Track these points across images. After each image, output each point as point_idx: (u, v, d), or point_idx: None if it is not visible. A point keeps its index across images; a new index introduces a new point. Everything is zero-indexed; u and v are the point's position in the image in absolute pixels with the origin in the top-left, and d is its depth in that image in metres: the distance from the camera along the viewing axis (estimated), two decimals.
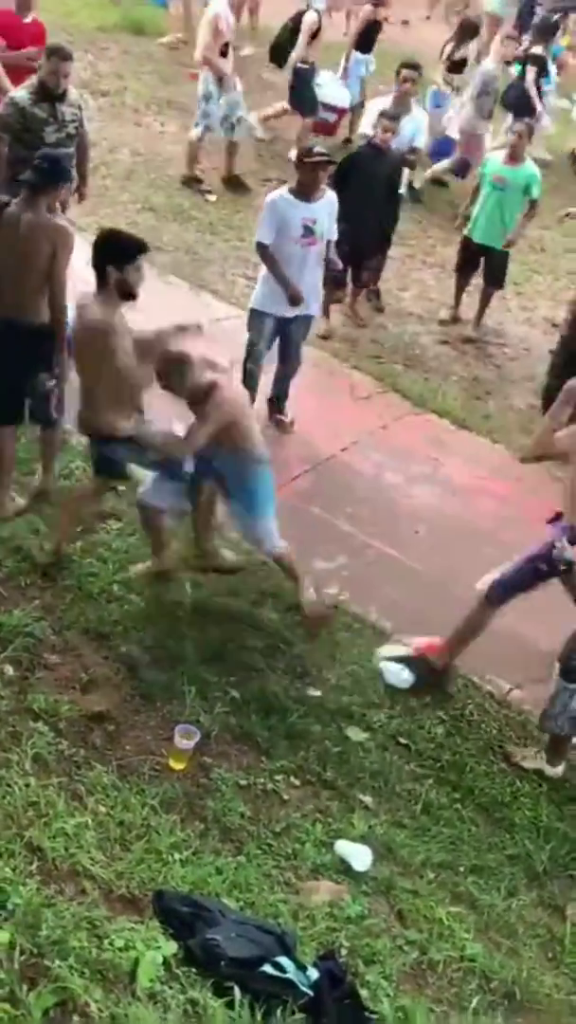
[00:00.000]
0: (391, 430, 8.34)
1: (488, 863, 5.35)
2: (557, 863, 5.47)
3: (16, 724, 4.85)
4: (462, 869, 5.27)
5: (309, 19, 12.09)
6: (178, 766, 5.04)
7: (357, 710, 5.95)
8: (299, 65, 11.98)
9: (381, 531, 7.30)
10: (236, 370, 6.83)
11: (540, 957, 4.98)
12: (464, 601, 6.82)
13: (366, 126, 9.54)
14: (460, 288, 10.09)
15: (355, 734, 5.80)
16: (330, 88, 12.73)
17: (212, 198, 11.13)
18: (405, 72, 9.79)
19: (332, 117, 12.82)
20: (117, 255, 5.76)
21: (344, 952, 4.47)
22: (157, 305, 9.00)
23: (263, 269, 7.59)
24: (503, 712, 6.27)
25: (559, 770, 5.93)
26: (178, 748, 5.05)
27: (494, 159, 9.49)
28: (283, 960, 4.07)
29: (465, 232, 9.79)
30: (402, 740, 5.86)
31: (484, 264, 9.78)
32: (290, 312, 7.58)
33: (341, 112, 12.80)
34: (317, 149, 7.59)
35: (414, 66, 9.92)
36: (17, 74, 8.50)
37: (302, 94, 12.24)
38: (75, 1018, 3.44)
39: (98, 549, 6.32)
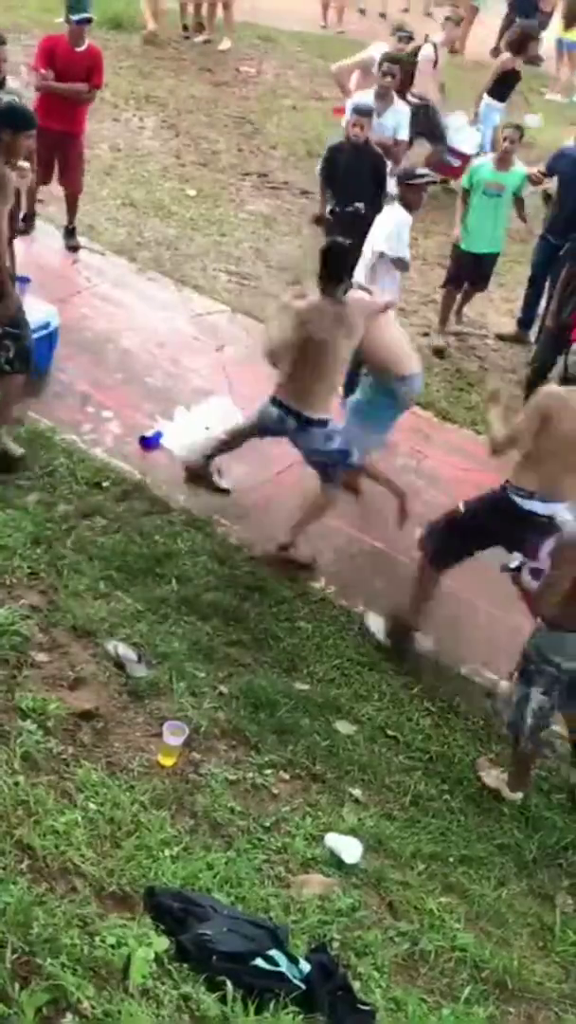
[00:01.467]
0: None
1: (478, 853, 5.36)
2: (546, 852, 5.50)
3: (4, 723, 4.83)
4: (452, 860, 5.28)
5: (426, 54, 12.00)
6: (167, 762, 5.03)
7: (345, 703, 5.96)
8: (419, 100, 11.71)
9: (368, 524, 7.31)
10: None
11: (531, 946, 5.00)
12: (451, 592, 6.87)
13: (346, 119, 9.44)
14: (448, 306, 9.87)
15: (344, 727, 5.81)
16: (462, 134, 12.24)
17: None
18: (386, 66, 9.73)
19: (456, 162, 12.36)
20: None
21: (336, 944, 4.47)
22: (138, 300, 9.07)
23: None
24: (491, 704, 6.29)
25: (517, 796, 5.78)
26: (167, 744, 5.04)
27: (484, 167, 9.38)
28: (275, 954, 4.06)
29: (461, 245, 9.63)
30: (390, 732, 5.88)
31: (473, 269, 9.67)
32: None
33: (466, 159, 12.13)
34: (419, 171, 7.77)
35: (395, 60, 9.88)
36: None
37: (430, 125, 11.99)
38: (68, 1016, 3.43)
39: (85, 546, 6.31)
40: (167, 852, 4.46)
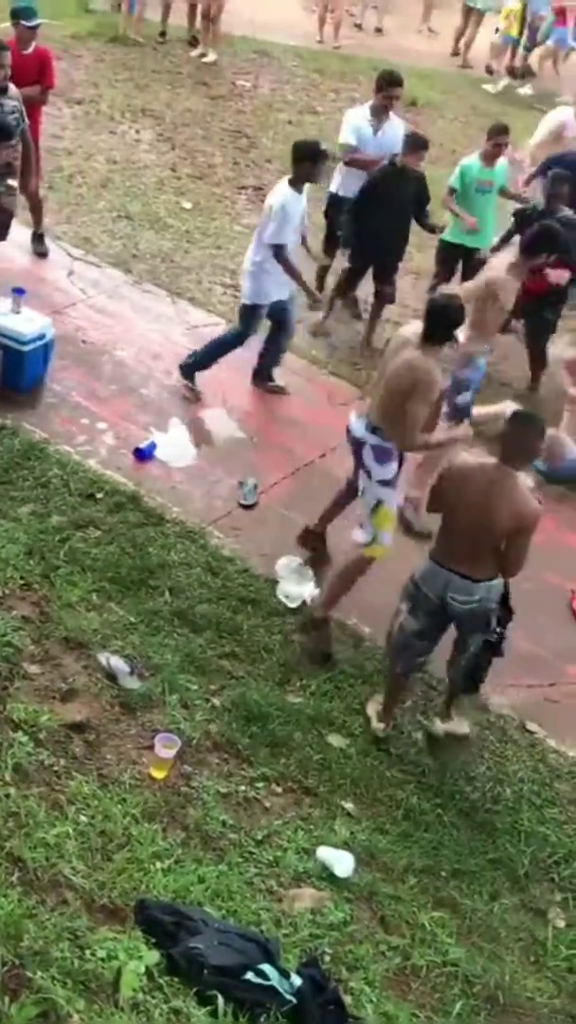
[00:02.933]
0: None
1: (470, 867, 5.36)
2: (538, 867, 5.49)
3: None
4: (444, 874, 5.28)
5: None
6: (159, 775, 5.03)
7: (338, 716, 5.95)
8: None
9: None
10: None
11: (523, 961, 4.99)
12: None
13: (345, 135, 9.43)
14: None
15: (336, 740, 5.80)
16: None
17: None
18: (392, 90, 9.47)
19: None
20: None
21: (327, 959, 4.46)
22: (134, 312, 9.07)
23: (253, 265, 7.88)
24: (483, 716, 6.29)
25: (380, 727, 5.91)
26: (159, 757, 5.03)
27: (472, 165, 9.47)
28: (266, 968, 4.05)
29: (450, 239, 9.70)
30: (383, 746, 5.87)
31: (463, 264, 9.76)
32: (286, 294, 8.06)
33: None
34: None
35: (399, 83, 9.64)
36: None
37: None
38: None
39: (78, 557, 6.30)
40: (158, 865, 4.46)
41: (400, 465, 6.36)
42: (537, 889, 5.39)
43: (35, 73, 8.95)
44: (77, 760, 4.89)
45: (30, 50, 8.94)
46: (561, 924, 5.24)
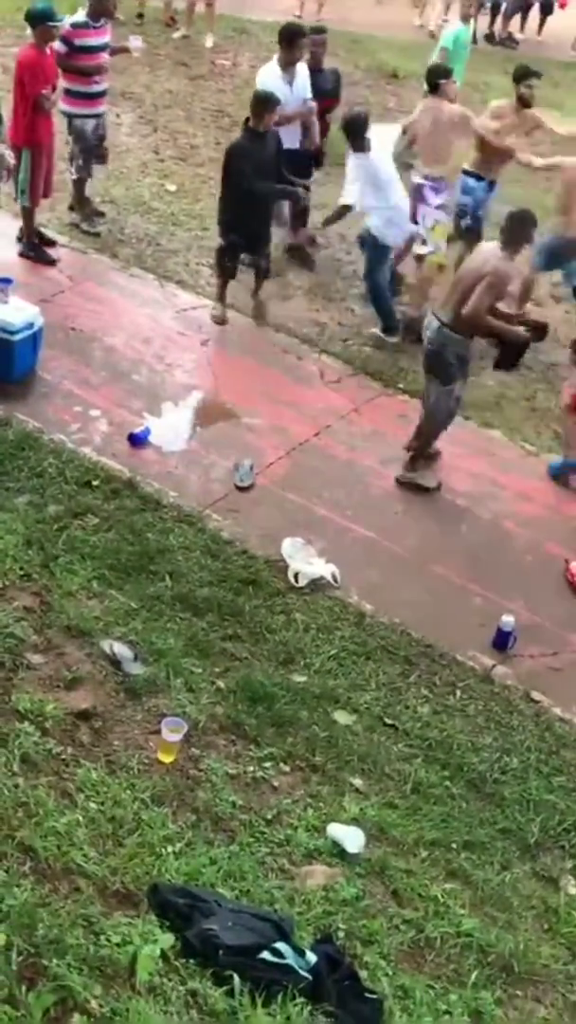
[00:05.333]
0: (363, 413, 8.34)
1: (480, 838, 5.37)
2: (548, 835, 5.50)
3: (2, 725, 4.83)
4: (455, 846, 5.28)
5: None
6: (167, 759, 5.03)
7: (343, 693, 5.96)
8: None
9: (358, 514, 7.31)
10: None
11: (536, 929, 5.00)
12: (443, 578, 6.88)
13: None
14: None
15: (342, 717, 5.81)
16: None
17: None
18: (298, 41, 9.37)
19: None
20: None
21: (341, 934, 4.47)
22: (122, 298, 9.05)
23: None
24: (488, 688, 6.30)
25: (431, 482, 7.56)
26: (166, 741, 5.04)
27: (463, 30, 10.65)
28: (281, 946, 4.07)
29: None
30: (388, 721, 5.88)
31: None
32: None
33: None
34: None
35: (303, 33, 9.57)
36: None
37: None
38: (75, 1016, 3.44)
39: (77, 546, 6.30)
40: (169, 849, 4.47)
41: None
42: (548, 857, 5.41)
43: (54, 71, 8.93)
44: (84, 748, 4.90)
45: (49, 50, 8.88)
46: (573, 891, 5.25)
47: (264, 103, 8.50)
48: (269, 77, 9.27)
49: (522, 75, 9.57)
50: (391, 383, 8.72)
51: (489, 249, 7.23)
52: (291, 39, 9.29)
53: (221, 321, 8.94)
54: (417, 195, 9.35)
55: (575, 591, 7.09)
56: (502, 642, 6.55)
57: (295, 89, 9.30)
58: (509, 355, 8.03)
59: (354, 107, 9.32)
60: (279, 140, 8.87)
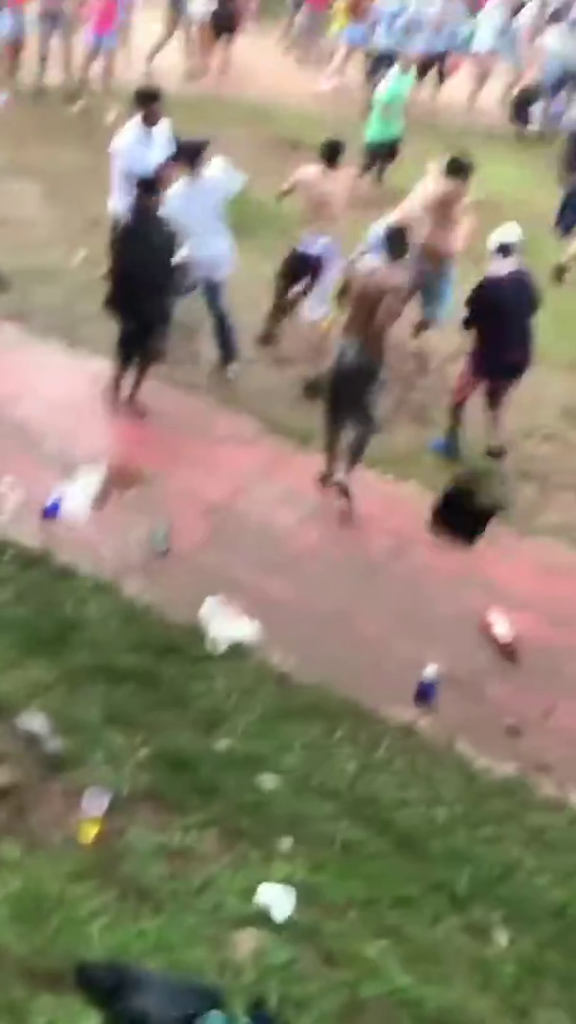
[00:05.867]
0: (279, 471, 8.38)
1: (411, 894, 5.34)
2: (478, 886, 5.48)
3: None
4: (386, 903, 5.24)
5: None
6: (90, 833, 4.97)
7: (268, 756, 5.92)
8: None
9: (277, 573, 7.31)
10: None
11: (469, 982, 4.98)
12: (367, 636, 6.91)
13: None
14: None
15: (268, 781, 5.77)
16: None
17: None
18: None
19: None
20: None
21: (274, 1001, 4.42)
22: (32, 366, 9.02)
23: None
24: (412, 741, 6.31)
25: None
26: (88, 815, 4.98)
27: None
28: (214, 1016, 4.02)
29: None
30: (315, 782, 5.84)
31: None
32: None
33: None
34: None
35: (155, 97, 9.82)
36: None
37: None
38: None
39: None
40: (95, 924, 4.41)
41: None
42: (478, 909, 5.38)
43: None
44: (3, 826, 4.82)
45: None
46: (504, 942, 5.24)
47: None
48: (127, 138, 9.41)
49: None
50: (306, 441, 8.75)
51: (379, 266, 7.81)
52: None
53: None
54: (317, 263, 9.53)
55: (493, 642, 7.14)
56: (425, 695, 6.57)
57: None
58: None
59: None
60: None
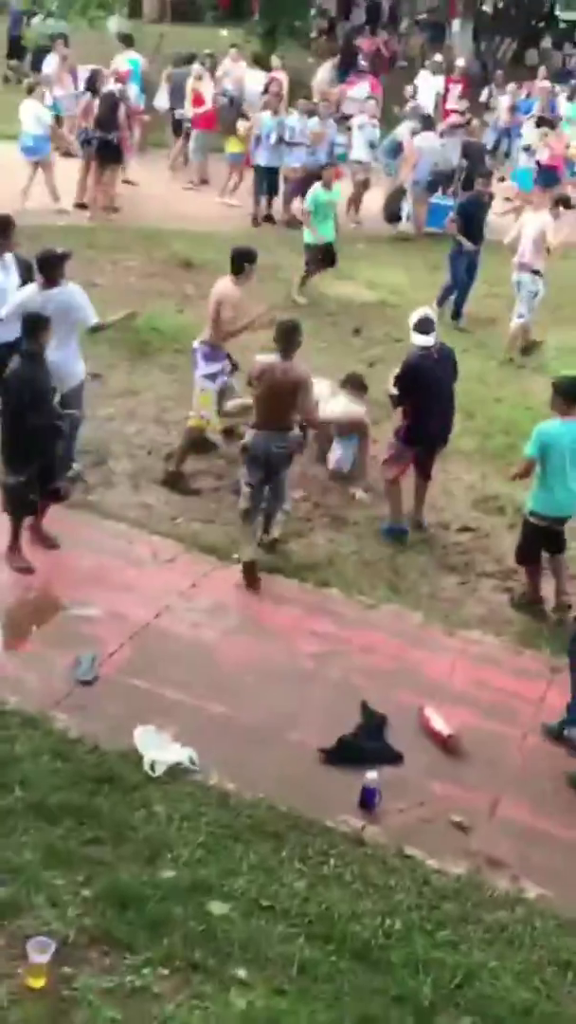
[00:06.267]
0: (201, 588, 8.32)
1: (374, 1011, 5.19)
2: (442, 994, 5.35)
3: None
4: (350, 1023, 5.10)
5: None
6: (37, 983, 4.77)
7: (215, 882, 5.76)
8: None
9: (208, 691, 7.21)
10: None
11: None
12: (301, 744, 6.82)
13: None
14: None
15: (217, 907, 5.61)
16: None
17: None
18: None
19: None
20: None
21: None
22: None
23: None
24: (361, 851, 6.19)
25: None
26: (34, 964, 4.78)
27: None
28: None
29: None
30: (265, 903, 5.69)
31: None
32: None
33: None
34: None
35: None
36: None
37: None
38: None
39: None
40: None
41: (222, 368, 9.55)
42: (444, 1018, 5.25)
43: None
44: None
45: None
46: None
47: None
48: None
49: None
50: (225, 555, 8.74)
51: (279, 362, 8.43)
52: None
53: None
54: (191, 359, 9.77)
55: (431, 736, 7.09)
56: (368, 800, 6.48)
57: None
58: None
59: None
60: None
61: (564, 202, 13.91)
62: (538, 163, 18.03)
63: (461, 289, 14.46)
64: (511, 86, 22.16)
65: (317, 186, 14.62)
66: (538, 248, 13.27)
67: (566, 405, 8.17)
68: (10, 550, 8.22)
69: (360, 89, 21.25)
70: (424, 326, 9.11)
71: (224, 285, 9.55)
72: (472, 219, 14.26)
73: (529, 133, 19.37)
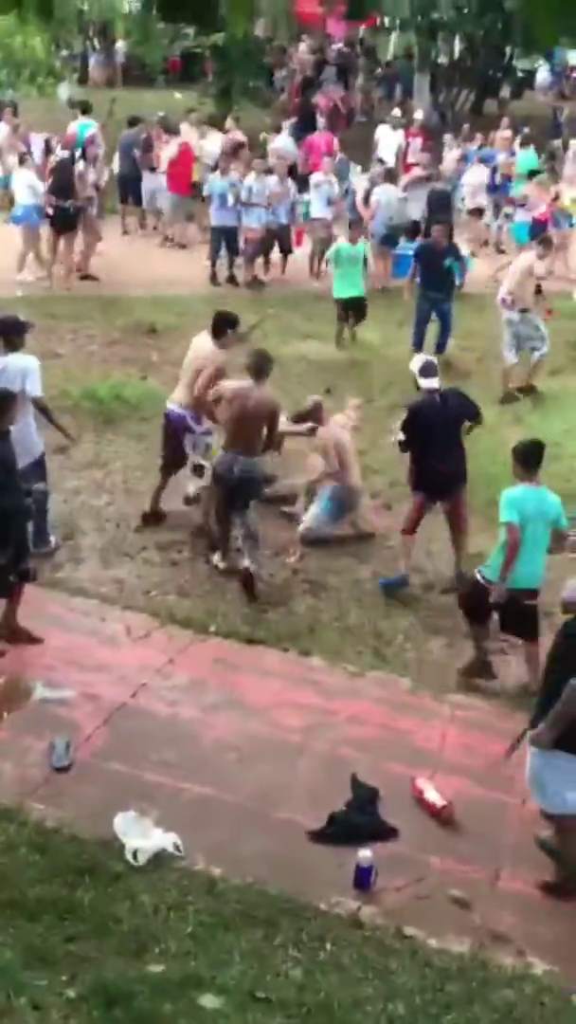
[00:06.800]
0: (177, 663, 8.05)
1: None
2: None
3: None
4: None
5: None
6: None
7: (206, 973, 5.46)
8: None
9: (190, 771, 6.92)
10: None
11: None
12: (290, 822, 6.54)
13: None
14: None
15: (209, 1001, 5.30)
16: None
17: None
18: None
19: None
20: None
21: None
22: None
23: None
24: (358, 933, 5.90)
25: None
26: None
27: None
28: None
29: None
30: (260, 995, 5.38)
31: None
32: None
33: None
34: None
35: None
36: None
37: None
38: None
39: None
40: None
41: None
42: None
43: None
44: None
45: None
46: None
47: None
48: None
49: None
50: (202, 628, 8.49)
51: (254, 390, 8.93)
52: None
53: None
54: (181, 427, 9.70)
55: (425, 808, 6.83)
56: (363, 880, 6.19)
57: None
58: None
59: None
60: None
61: (545, 241, 14.20)
62: (534, 219, 18.11)
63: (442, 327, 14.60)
64: (470, 137, 22.11)
65: (341, 239, 15.23)
66: (523, 286, 13.43)
67: (523, 470, 7.84)
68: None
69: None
70: (428, 370, 9.34)
71: (206, 348, 9.57)
72: (428, 265, 14.36)
73: (522, 187, 19.50)
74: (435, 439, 9.11)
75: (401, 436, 9.30)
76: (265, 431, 9.01)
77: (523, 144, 21.74)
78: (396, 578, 9.22)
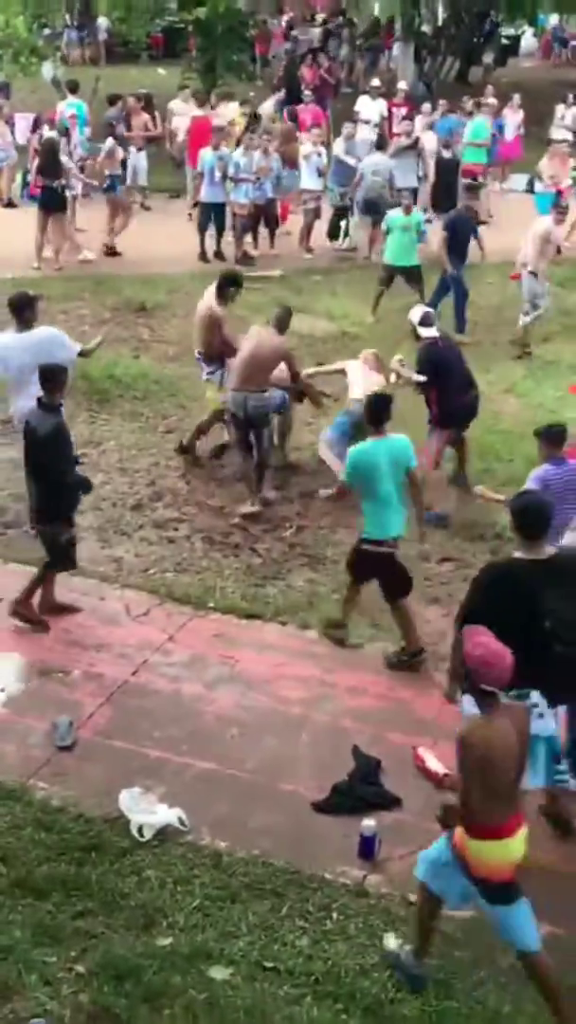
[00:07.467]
0: (178, 640, 8.09)
1: None
2: None
3: None
4: None
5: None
6: None
7: (214, 945, 5.54)
8: None
9: (193, 747, 6.98)
10: None
11: None
12: (294, 795, 6.58)
13: None
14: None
15: (218, 973, 5.38)
16: None
17: None
18: None
19: None
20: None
21: None
22: None
23: None
24: (364, 902, 5.95)
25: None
26: None
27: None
28: None
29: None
30: (268, 964, 5.46)
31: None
32: None
33: None
34: None
35: None
36: None
37: None
38: None
39: None
40: None
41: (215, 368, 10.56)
42: None
43: None
44: None
45: None
46: None
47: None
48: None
49: None
50: (201, 604, 8.52)
51: (268, 336, 9.88)
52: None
53: None
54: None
55: (427, 776, 6.87)
56: (368, 849, 6.25)
57: None
58: None
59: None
60: None
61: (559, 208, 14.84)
62: (559, 190, 18.19)
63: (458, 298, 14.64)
64: (451, 107, 21.88)
65: (397, 209, 15.21)
66: (539, 251, 13.74)
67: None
68: (23, 604, 8.10)
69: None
70: (427, 320, 10.16)
71: (210, 304, 10.42)
72: (459, 236, 14.45)
73: (543, 163, 19.62)
74: (454, 375, 9.94)
75: (422, 378, 9.92)
76: (283, 367, 9.95)
77: (470, 114, 21.50)
78: (435, 514, 9.47)
